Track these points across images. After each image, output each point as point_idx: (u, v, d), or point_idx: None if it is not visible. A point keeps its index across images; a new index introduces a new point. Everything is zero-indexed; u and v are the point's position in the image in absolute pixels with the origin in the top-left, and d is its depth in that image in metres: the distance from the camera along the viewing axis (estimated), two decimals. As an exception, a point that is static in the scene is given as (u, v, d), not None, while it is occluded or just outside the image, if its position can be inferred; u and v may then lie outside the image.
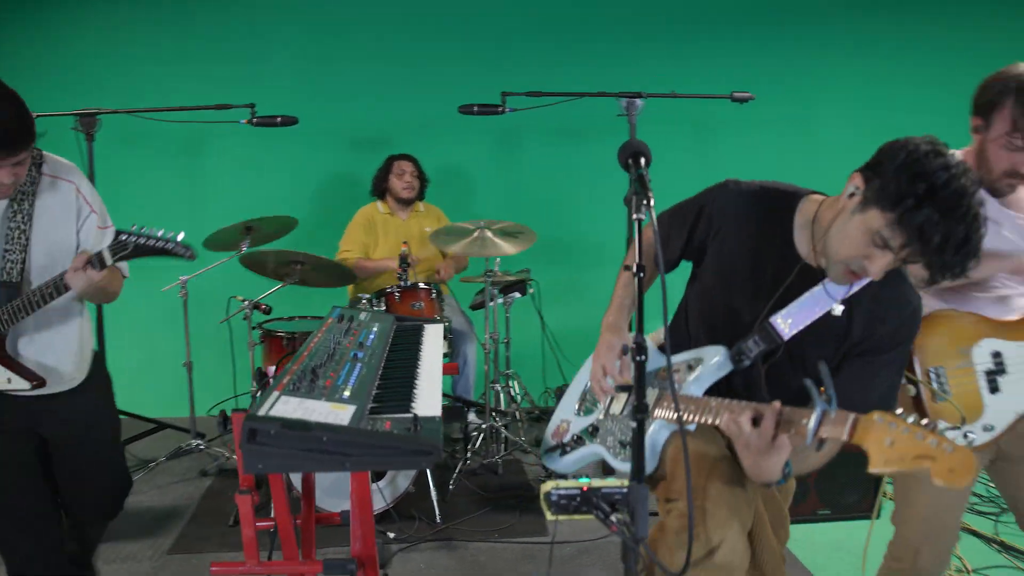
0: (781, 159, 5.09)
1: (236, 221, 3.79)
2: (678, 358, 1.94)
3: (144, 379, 4.73)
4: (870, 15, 5.23)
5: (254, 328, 3.96)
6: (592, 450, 2.04)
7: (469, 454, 4.10)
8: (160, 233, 2.18)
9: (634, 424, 1.48)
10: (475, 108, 3.92)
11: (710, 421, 1.72)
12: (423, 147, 4.79)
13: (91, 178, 3.91)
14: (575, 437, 2.10)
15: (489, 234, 3.88)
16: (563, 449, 2.12)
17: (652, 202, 1.57)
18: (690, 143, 5.13)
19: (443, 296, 4.08)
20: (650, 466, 1.87)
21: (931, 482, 1.31)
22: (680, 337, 2.00)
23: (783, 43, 5.22)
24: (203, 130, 4.72)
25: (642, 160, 1.67)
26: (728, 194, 1.86)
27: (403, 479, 3.49)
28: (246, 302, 3.76)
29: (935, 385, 2.16)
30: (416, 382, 1.89)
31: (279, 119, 3.87)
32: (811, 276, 1.77)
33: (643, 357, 1.50)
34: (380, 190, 4.62)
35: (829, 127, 5.23)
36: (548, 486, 1.54)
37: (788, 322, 1.77)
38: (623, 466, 1.91)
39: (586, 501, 1.52)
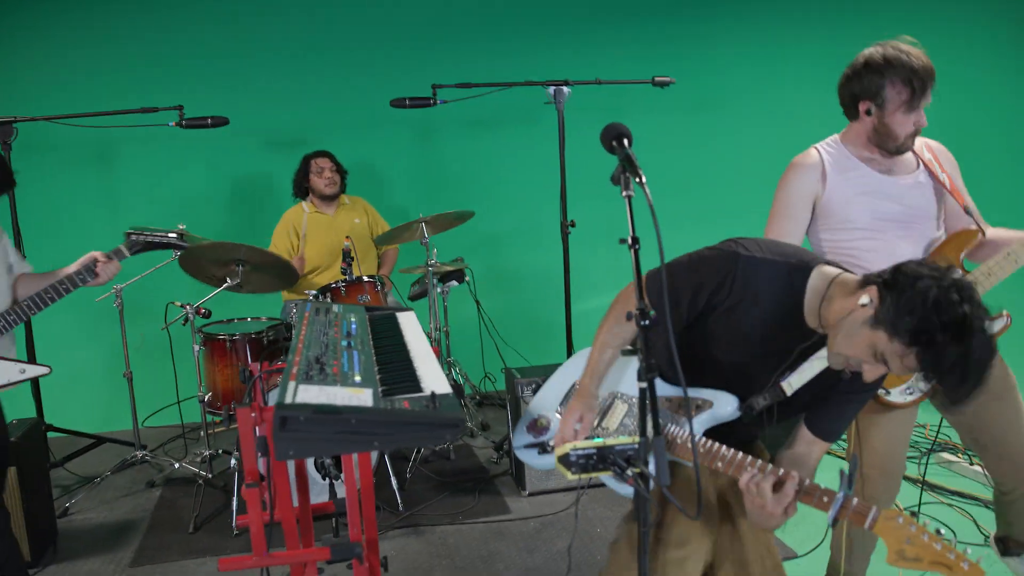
0: (694, 139, 5.37)
1: (154, 226, 3.80)
2: (689, 392, 1.96)
3: (69, 394, 4.60)
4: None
5: (195, 333, 3.91)
6: None
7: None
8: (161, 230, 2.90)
9: (644, 385, 1.59)
10: (407, 101, 3.97)
11: (722, 470, 1.84)
12: (342, 144, 4.80)
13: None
14: None
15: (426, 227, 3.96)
16: (543, 448, 2.12)
17: (644, 179, 1.68)
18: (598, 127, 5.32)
19: (386, 288, 4.12)
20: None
21: None
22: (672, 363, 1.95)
23: (689, 28, 5.48)
24: (115, 135, 4.61)
25: (625, 141, 1.79)
26: (747, 268, 1.83)
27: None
28: (187, 306, 3.69)
29: None
30: (414, 364, 1.95)
31: (209, 120, 3.81)
32: (813, 336, 1.84)
33: (647, 322, 1.61)
34: (302, 190, 4.59)
35: (738, 106, 5.52)
36: (566, 448, 1.64)
37: (796, 379, 1.87)
38: (618, 487, 1.94)
39: (602, 459, 1.63)
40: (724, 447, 1.88)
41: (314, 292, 3.71)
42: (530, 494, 3.69)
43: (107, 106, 3.95)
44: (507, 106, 4.68)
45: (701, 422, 1.96)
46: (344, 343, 2.04)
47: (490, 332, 4.81)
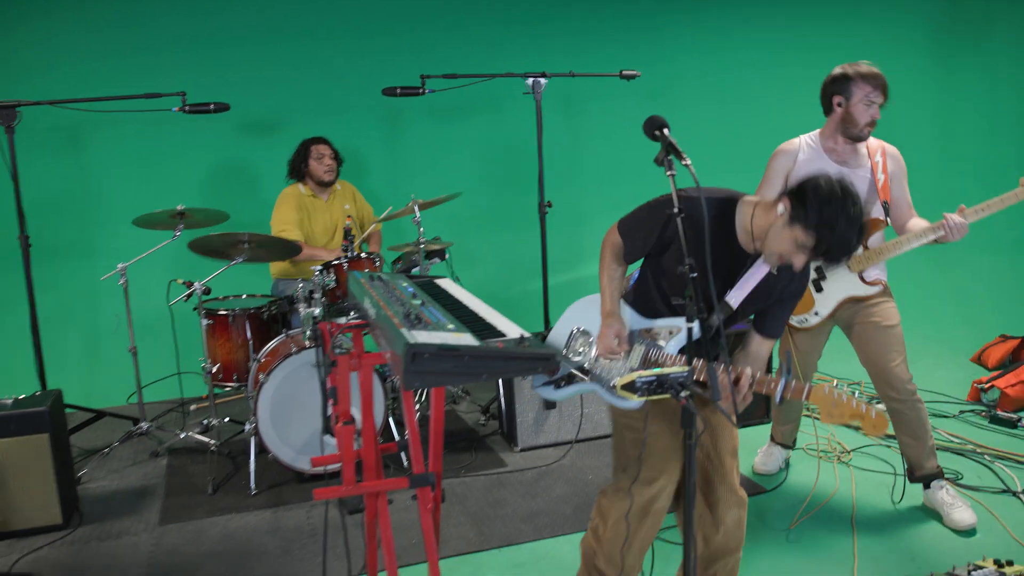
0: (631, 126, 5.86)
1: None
2: (659, 323, 2.43)
3: (61, 370, 4.72)
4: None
5: (194, 309, 4.13)
6: (587, 387, 2.52)
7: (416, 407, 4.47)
8: None
9: (695, 324, 2.00)
10: (398, 90, 4.26)
11: (696, 376, 2.28)
12: (321, 128, 5.03)
13: (14, 172, 3.88)
14: (568, 375, 2.58)
15: (419, 203, 4.27)
16: (556, 384, 2.62)
17: (689, 161, 2.07)
18: (561, 116, 5.75)
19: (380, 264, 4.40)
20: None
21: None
22: (649, 301, 2.48)
23: (645, 21, 5.98)
24: (85, 119, 4.72)
25: (666, 129, 2.18)
26: (688, 205, 2.19)
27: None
28: (197, 284, 3.89)
29: None
30: (483, 316, 2.28)
31: (212, 106, 4.01)
32: (745, 256, 2.33)
33: (695, 274, 2.01)
34: (299, 173, 4.74)
35: (684, 95, 6.04)
36: (632, 376, 2.01)
37: (737, 295, 2.35)
38: (617, 400, 2.38)
39: (661, 384, 2.01)
40: (695, 359, 2.25)
41: (318, 268, 3.97)
42: (522, 449, 4.06)
43: (81, 91, 4.09)
44: (476, 94, 4.99)
45: (675, 344, 2.39)
46: (416, 301, 2.35)
47: (466, 306, 5.14)
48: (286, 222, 4.60)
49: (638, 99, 5.49)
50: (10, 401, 3.41)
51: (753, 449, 3.88)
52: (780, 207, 2.16)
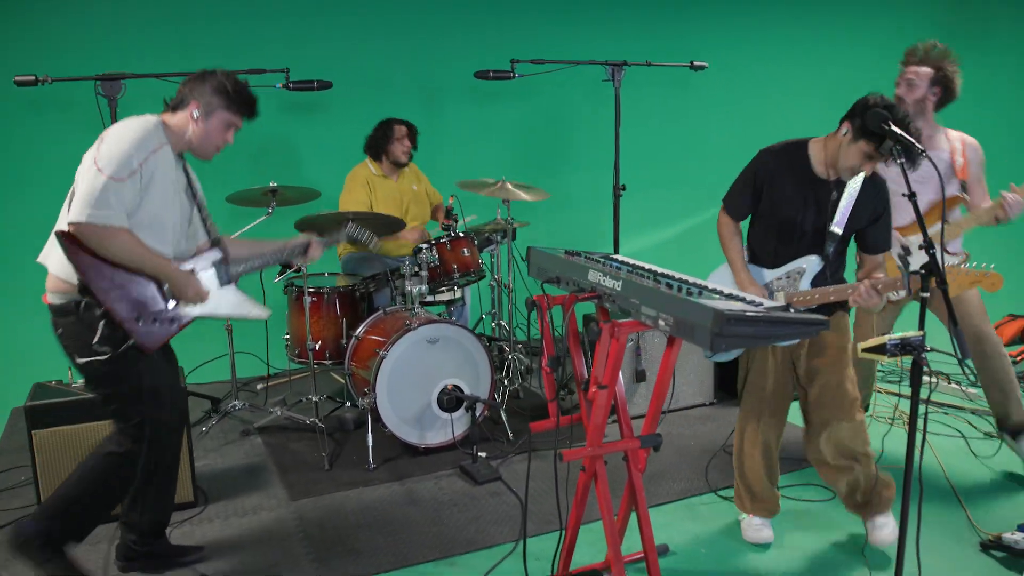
0: (676, 113, 6.13)
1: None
2: (786, 268, 2.93)
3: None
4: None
5: (287, 287, 4.16)
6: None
7: (507, 380, 4.61)
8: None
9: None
10: (490, 74, 4.35)
11: (834, 298, 2.80)
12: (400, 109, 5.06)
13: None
14: None
15: (509, 186, 4.38)
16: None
17: (926, 152, 2.31)
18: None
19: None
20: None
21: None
22: (763, 246, 3.00)
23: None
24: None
25: (890, 122, 2.42)
26: (767, 159, 2.89)
27: (478, 407, 3.94)
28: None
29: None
30: (719, 289, 2.45)
31: (315, 83, 4.00)
32: (828, 187, 2.84)
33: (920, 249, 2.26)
34: (376, 151, 4.76)
35: (709, 85, 6.33)
36: (883, 339, 2.24)
37: (839, 223, 2.83)
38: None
39: (904, 347, 2.26)
40: (827, 287, 2.83)
41: (425, 245, 4.05)
42: (614, 421, 4.25)
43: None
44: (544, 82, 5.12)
45: (806, 281, 2.89)
46: (650, 277, 2.48)
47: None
48: (358, 203, 4.63)
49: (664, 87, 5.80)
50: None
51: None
52: (843, 129, 2.71)
